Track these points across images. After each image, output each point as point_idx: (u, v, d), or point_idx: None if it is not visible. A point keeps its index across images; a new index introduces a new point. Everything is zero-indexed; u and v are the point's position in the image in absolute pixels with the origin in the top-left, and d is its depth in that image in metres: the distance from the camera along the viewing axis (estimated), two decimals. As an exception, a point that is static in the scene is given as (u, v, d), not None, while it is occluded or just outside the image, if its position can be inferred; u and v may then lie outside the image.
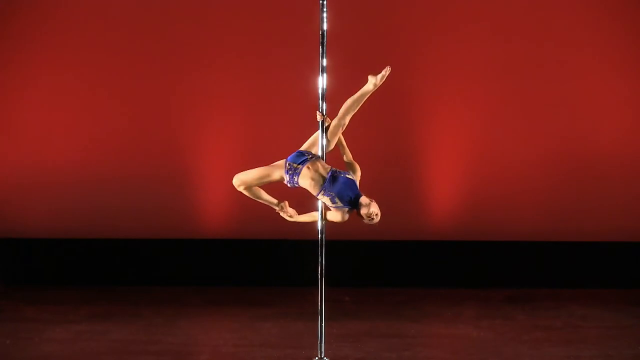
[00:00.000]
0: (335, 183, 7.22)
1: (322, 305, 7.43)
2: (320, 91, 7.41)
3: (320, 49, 7.38)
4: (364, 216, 7.20)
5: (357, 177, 7.38)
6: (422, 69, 11.92)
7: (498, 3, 11.89)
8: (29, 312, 10.45)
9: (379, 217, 7.22)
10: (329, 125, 7.35)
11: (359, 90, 7.35)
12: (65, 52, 11.99)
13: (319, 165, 7.32)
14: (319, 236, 7.46)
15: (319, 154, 7.35)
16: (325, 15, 7.39)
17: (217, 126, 11.95)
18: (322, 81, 7.40)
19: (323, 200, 7.25)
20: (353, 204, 7.22)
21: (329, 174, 7.24)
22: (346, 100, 7.36)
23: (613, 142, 11.87)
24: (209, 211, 12.00)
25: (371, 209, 7.16)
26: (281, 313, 10.41)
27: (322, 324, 7.44)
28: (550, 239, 11.94)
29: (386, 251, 12.00)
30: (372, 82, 7.33)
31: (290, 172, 7.27)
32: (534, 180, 11.91)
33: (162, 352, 8.57)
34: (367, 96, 7.37)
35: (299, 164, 7.26)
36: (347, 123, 7.38)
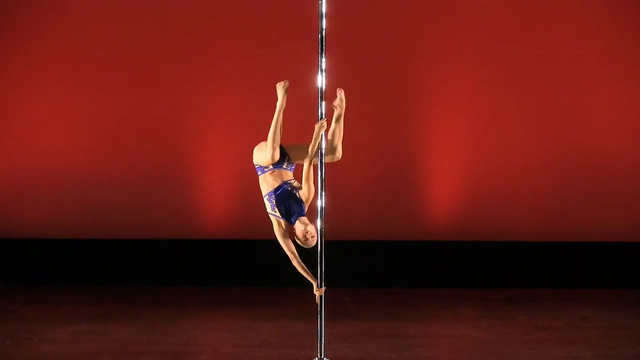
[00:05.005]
0: (280, 194, 7.27)
1: (322, 305, 7.43)
2: (319, 90, 7.41)
3: (320, 49, 7.38)
4: (299, 234, 7.25)
5: (307, 200, 7.39)
6: (421, 70, 11.92)
7: (498, 4, 11.89)
8: (29, 312, 10.45)
9: (314, 240, 7.29)
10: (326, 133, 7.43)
11: (331, 120, 7.50)
12: (66, 52, 11.99)
13: (282, 173, 7.41)
14: (319, 236, 7.45)
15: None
16: (324, 14, 7.38)
17: (217, 126, 11.95)
18: (321, 80, 7.40)
19: (266, 203, 7.39)
20: (287, 218, 7.29)
21: (282, 185, 7.31)
22: (329, 136, 7.51)
23: (613, 142, 11.87)
24: (209, 211, 12.01)
25: (308, 228, 7.25)
26: (281, 313, 10.41)
27: (322, 324, 7.44)
28: (550, 239, 11.94)
29: (386, 251, 12.00)
30: (337, 109, 7.43)
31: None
32: (533, 181, 11.91)
33: (162, 352, 8.57)
34: (342, 120, 7.46)
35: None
36: (338, 151, 7.45)
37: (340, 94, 7.49)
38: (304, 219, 7.31)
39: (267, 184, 7.39)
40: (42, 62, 12.00)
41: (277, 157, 7.36)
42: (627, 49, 11.84)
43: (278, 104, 7.37)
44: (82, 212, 12.02)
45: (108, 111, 12.02)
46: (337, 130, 7.50)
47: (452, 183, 11.94)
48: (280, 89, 7.40)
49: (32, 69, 12.01)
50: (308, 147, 7.41)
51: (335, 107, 7.47)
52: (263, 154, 7.42)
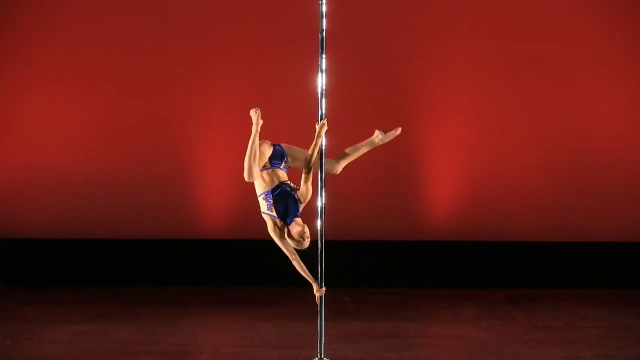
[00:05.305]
0: (278, 193, 7.26)
1: (322, 305, 7.43)
2: (319, 90, 7.41)
3: (320, 49, 7.38)
4: (295, 235, 7.24)
5: (304, 200, 7.39)
6: (421, 70, 11.92)
7: (498, 4, 11.89)
8: (29, 312, 10.45)
9: (309, 241, 7.29)
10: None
11: (362, 142, 7.56)
12: (66, 52, 11.99)
13: (278, 172, 7.41)
14: (319, 236, 7.46)
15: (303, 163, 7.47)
16: (324, 14, 7.38)
17: (217, 126, 11.95)
18: (321, 80, 7.40)
19: (260, 203, 7.37)
20: (284, 218, 7.28)
21: (280, 185, 7.30)
22: (348, 148, 7.59)
23: (613, 142, 11.87)
24: (209, 211, 12.01)
25: (305, 229, 7.25)
26: (281, 313, 10.41)
27: (322, 324, 7.44)
28: (550, 239, 11.94)
29: (386, 251, 12.00)
30: (379, 137, 7.49)
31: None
32: (534, 181, 11.91)
33: (162, 352, 8.57)
34: (369, 149, 7.53)
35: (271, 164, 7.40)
36: (341, 165, 7.52)
37: (397, 132, 7.55)
38: (299, 219, 7.30)
39: (263, 182, 7.38)
40: (42, 62, 12.00)
41: (254, 177, 7.34)
42: (627, 49, 11.84)
43: (253, 128, 7.33)
44: (82, 212, 12.02)
45: (108, 111, 12.02)
46: (360, 152, 7.56)
47: (452, 183, 11.94)
48: (253, 114, 7.37)
49: (32, 69, 12.01)
50: (307, 154, 7.40)
51: (379, 134, 7.50)
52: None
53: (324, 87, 7.39)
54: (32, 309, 10.58)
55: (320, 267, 7.43)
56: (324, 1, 7.38)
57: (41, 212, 12.05)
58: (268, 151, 7.41)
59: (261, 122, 7.32)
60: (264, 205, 7.36)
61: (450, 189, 11.94)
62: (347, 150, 7.59)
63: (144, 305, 10.87)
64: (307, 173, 7.39)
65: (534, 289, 11.78)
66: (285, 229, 7.31)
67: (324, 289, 7.43)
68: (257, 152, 7.29)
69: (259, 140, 7.39)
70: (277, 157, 7.43)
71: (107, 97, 12.01)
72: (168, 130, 12.01)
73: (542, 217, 11.92)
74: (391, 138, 7.62)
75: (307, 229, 7.26)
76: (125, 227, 12.05)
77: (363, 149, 7.59)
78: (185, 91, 11.98)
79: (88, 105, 12.02)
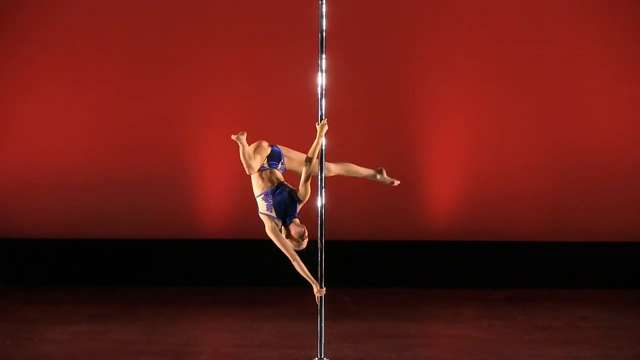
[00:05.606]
0: (278, 194, 7.28)
1: (322, 305, 7.43)
2: (319, 90, 7.41)
3: (320, 49, 7.38)
4: (295, 235, 7.27)
5: (304, 200, 7.41)
6: (421, 70, 11.92)
7: (498, 4, 11.89)
8: (29, 312, 10.46)
9: (307, 241, 7.31)
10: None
11: (365, 167, 7.76)
12: (66, 53, 11.99)
13: (276, 173, 7.42)
14: (319, 236, 7.46)
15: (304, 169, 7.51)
16: (324, 14, 7.38)
17: (217, 126, 11.95)
18: (321, 80, 7.39)
19: (259, 203, 7.37)
20: (283, 219, 7.30)
21: (279, 186, 7.33)
22: (350, 163, 7.71)
23: (613, 142, 11.87)
24: (209, 211, 12.01)
25: (304, 230, 7.29)
26: (281, 313, 10.41)
27: (322, 324, 7.44)
28: (550, 239, 11.94)
29: (386, 251, 12.00)
30: (378, 175, 7.73)
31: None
32: (534, 181, 11.91)
33: (162, 352, 8.58)
34: (365, 177, 7.75)
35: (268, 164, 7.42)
36: (336, 171, 7.62)
37: (395, 183, 7.87)
38: (298, 220, 7.31)
39: (262, 183, 7.38)
40: (42, 62, 12.00)
41: (254, 170, 7.33)
42: (627, 49, 11.84)
43: (240, 147, 7.33)
44: (82, 212, 12.02)
45: (108, 111, 12.02)
46: (357, 174, 7.71)
47: (452, 183, 11.94)
48: (236, 139, 7.36)
49: (32, 69, 12.01)
50: (304, 160, 7.39)
51: (382, 171, 7.77)
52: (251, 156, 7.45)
53: (324, 87, 7.39)
54: (32, 309, 10.58)
55: (320, 267, 7.43)
56: (324, 1, 7.38)
57: (41, 212, 12.05)
58: (268, 148, 7.43)
59: (245, 133, 7.31)
60: (262, 206, 7.36)
61: (450, 189, 11.94)
62: (347, 163, 7.62)
63: (144, 305, 10.88)
64: (307, 174, 7.39)
65: (534, 289, 11.78)
66: (284, 230, 7.31)
67: (324, 289, 7.43)
68: (251, 152, 7.30)
69: (257, 140, 7.42)
70: (274, 158, 7.44)
71: (107, 97, 12.01)
72: (168, 130, 12.01)
73: (542, 217, 11.92)
74: (387, 183, 7.75)
75: (306, 230, 7.27)
76: (125, 227, 12.05)
77: (361, 172, 7.68)
78: (185, 91, 11.99)
79: (88, 105, 12.02)
